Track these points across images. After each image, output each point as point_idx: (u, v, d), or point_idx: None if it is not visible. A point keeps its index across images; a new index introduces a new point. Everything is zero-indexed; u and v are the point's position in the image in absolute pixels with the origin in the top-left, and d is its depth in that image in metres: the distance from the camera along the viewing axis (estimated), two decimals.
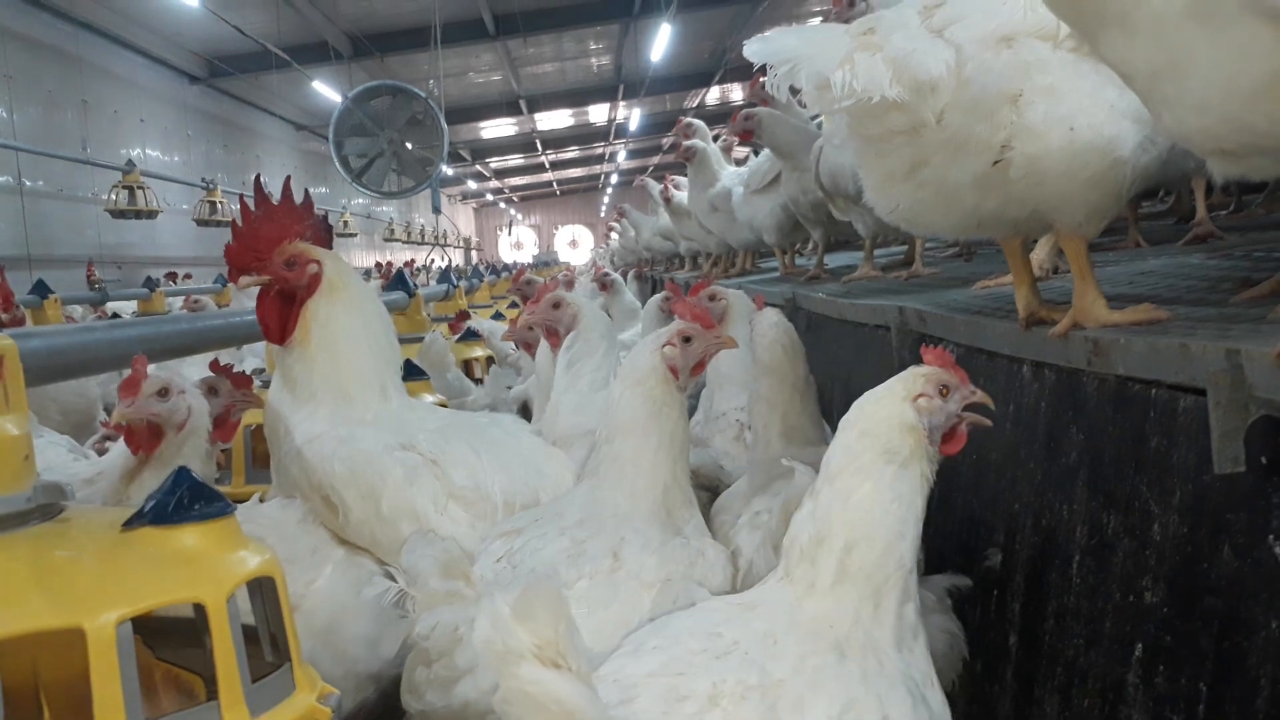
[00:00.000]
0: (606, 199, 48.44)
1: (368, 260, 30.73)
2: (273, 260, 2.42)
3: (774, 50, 1.88)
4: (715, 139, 7.90)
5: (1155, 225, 4.76)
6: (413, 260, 28.23)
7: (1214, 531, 1.63)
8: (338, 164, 14.93)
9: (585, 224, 49.95)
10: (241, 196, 2.54)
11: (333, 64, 19.43)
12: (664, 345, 2.29)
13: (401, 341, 5.95)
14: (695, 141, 6.65)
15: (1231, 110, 1.44)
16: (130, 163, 15.07)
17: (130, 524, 1.67)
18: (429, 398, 3.94)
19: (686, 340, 2.29)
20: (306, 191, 2.56)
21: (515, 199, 51.15)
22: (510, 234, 47.78)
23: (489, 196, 49.64)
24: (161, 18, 16.66)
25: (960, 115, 1.86)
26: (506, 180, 43.82)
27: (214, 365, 2.81)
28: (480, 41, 20.12)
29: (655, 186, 9.74)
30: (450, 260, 9.39)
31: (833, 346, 3.99)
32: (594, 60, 24.46)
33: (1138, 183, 1.94)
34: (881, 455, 1.59)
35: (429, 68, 18.46)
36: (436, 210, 13.51)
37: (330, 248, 2.53)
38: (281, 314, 2.42)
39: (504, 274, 12.95)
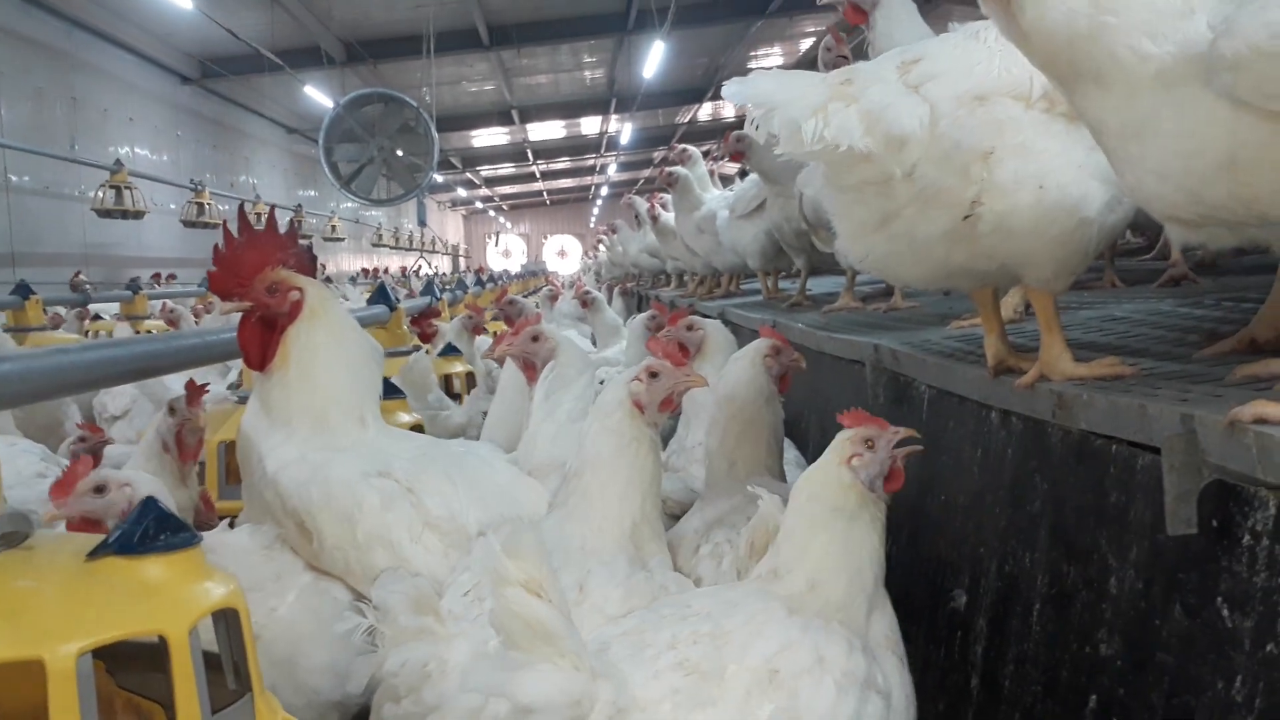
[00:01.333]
0: (596, 210, 48.52)
1: (355, 265, 30.65)
2: (254, 286, 2.42)
3: (751, 93, 1.91)
4: (705, 154, 7.87)
5: (1132, 265, 4.81)
6: (404, 268, 28.19)
7: (1167, 589, 1.66)
8: (327, 170, 14.92)
9: (574, 234, 49.95)
10: (225, 223, 2.55)
11: (325, 69, 19.42)
12: (631, 381, 2.32)
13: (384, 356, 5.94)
14: (677, 168, 6.69)
15: (1189, 182, 1.48)
16: (118, 162, 15.00)
17: (95, 554, 1.67)
18: (405, 416, 3.95)
19: (654, 376, 2.32)
20: (291, 221, 2.59)
21: (505, 207, 51.18)
22: (497, 244, 47.82)
23: (478, 204, 49.62)
24: (154, 17, 16.62)
25: (933, 169, 1.89)
26: (496, 188, 43.84)
27: (189, 385, 2.81)
28: (474, 51, 20.16)
29: (642, 205, 9.77)
30: (435, 271, 9.35)
31: (810, 377, 3.99)
32: (587, 73, 24.54)
33: (1104, 241, 1.97)
34: (831, 512, 1.82)
35: (422, 75, 18.47)
36: (422, 223, 13.55)
37: (314, 276, 2.54)
38: (262, 340, 2.43)
39: (489, 285, 12.92)
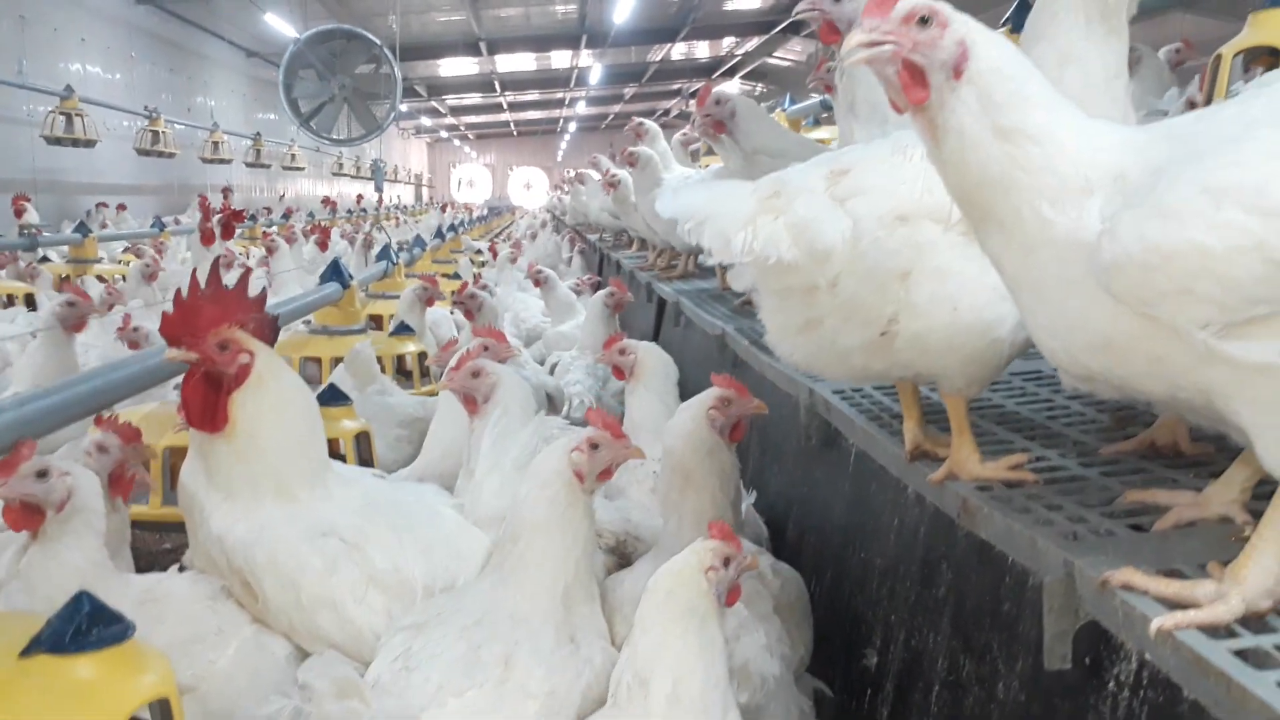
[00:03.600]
0: (564, 144, 47.86)
1: (315, 191, 30.10)
2: (206, 340, 2.42)
3: (683, 207, 1.96)
4: (677, 92, 7.58)
5: None
6: (359, 196, 27.76)
7: (1045, 710, 1.78)
8: (286, 106, 14.51)
9: (541, 167, 49.31)
10: (194, 271, 2.52)
11: None
12: (572, 450, 2.38)
13: (335, 334, 5.93)
14: (640, 148, 6.66)
15: (1072, 348, 1.56)
16: (69, 88, 14.55)
17: (27, 652, 1.73)
18: (350, 424, 3.99)
19: (594, 447, 2.38)
20: (264, 289, 2.57)
21: (470, 136, 50.30)
22: (458, 187, 47.00)
23: (443, 133, 48.72)
24: None
25: (854, 284, 1.95)
26: (462, 118, 43.05)
27: (98, 421, 2.81)
28: None
29: (605, 165, 9.70)
30: (395, 204, 9.20)
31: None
32: (559, 8, 24.01)
33: (1015, 355, 2.06)
34: (686, 613, 1.97)
35: (389, 3, 17.95)
36: (379, 189, 13.34)
37: (273, 343, 2.54)
38: (206, 399, 2.43)
39: (449, 235, 12.81)
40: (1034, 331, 1.67)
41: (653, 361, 3.68)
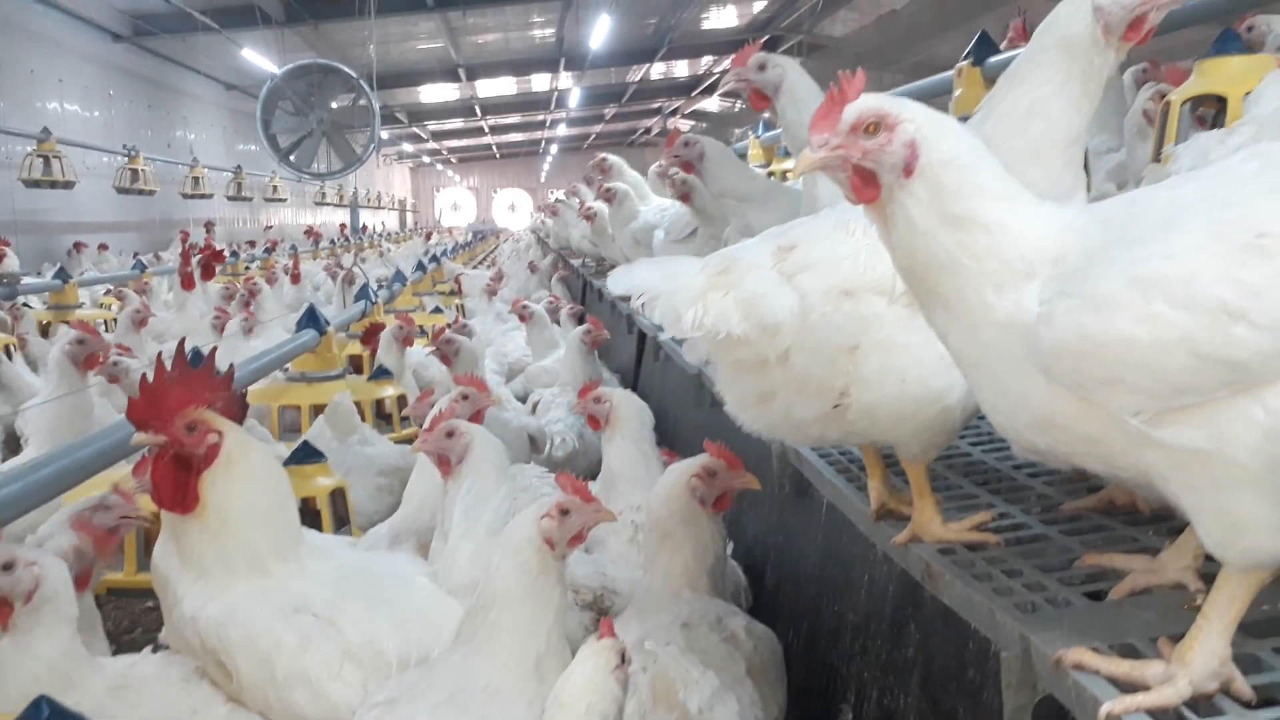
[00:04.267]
0: (547, 164, 48.00)
1: (298, 220, 30.09)
2: (174, 423, 2.43)
3: (635, 284, 1.98)
4: (658, 111, 7.57)
5: None
6: (344, 225, 27.77)
7: None
8: (265, 142, 14.64)
9: (525, 188, 49.44)
10: (160, 355, 2.51)
11: (263, 29, 18.88)
12: (541, 517, 2.39)
13: (314, 381, 5.92)
14: (616, 184, 6.70)
15: (1016, 424, 1.58)
16: (46, 130, 14.55)
17: None
18: (325, 480, 3.99)
19: (564, 513, 2.39)
20: (232, 365, 2.58)
21: (453, 160, 50.41)
22: (441, 217, 47.02)
23: (425, 158, 48.80)
24: None
25: (804, 358, 1.96)
26: (444, 142, 43.16)
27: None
28: (418, 12, 19.72)
29: (584, 193, 9.73)
30: (365, 277, 9.16)
31: (729, 434, 4.10)
32: (536, 33, 24.15)
33: (968, 421, 2.07)
34: None
35: (368, 34, 18.05)
36: (356, 230, 13.39)
37: (242, 423, 2.56)
38: (175, 480, 2.43)
39: (432, 265, 12.82)
40: (981, 404, 1.68)
41: (628, 410, 3.70)
